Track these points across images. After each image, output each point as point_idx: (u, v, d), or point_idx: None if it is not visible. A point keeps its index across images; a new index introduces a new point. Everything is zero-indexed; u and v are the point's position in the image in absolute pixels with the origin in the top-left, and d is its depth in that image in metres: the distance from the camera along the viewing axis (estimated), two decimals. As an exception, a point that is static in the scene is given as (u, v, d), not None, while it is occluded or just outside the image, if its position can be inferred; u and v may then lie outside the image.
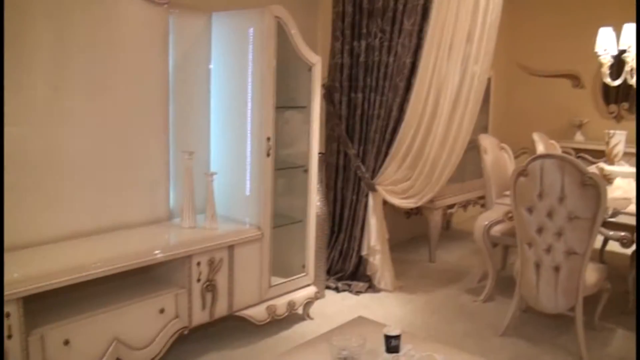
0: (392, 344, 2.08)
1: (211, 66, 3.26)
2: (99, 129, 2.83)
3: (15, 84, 2.50)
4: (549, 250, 3.02)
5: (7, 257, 2.44)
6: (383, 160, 3.87)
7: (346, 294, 3.95)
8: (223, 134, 3.29)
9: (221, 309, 2.98)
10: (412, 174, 3.91)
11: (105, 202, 2.89)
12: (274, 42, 3.05)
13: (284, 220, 3.38)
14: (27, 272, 2.29)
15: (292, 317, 3.40)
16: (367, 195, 3.96)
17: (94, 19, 2.74)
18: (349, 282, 4.02)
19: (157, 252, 2.67)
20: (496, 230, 3.86)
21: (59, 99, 2.67)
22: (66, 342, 2.36)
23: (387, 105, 3.79)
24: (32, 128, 2.60)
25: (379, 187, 3.90)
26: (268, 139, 3.08)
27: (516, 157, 4.85)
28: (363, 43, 3.88)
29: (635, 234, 3.16)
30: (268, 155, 3.09)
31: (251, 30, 3.07)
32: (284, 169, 3.35)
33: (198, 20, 3.19)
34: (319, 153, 3.48)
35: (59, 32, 2.64)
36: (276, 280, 3.27)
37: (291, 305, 3.32)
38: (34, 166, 2.62)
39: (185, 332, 2.83)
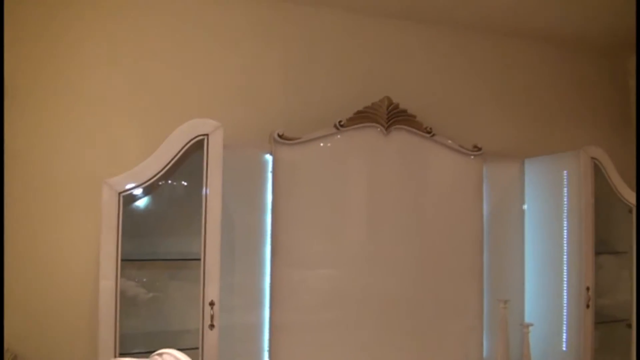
0: None
1: (525, 206, 3.22)
2: (411, 274, 2.92)
3: (338, 233, 2.79)
4: None
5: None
6: None
7: None
8: (538, 280, 3.12)
9: None
10: None
11: (417, 345, 2.91)
12: (591, 184, 2.89)
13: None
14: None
15: None
16: None
17: (407, 173, 2.94)
18: None
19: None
20: None
21: (372, 244, 2.85)
22: None
23: None
24: (347, 271, 2.80)
25: None
26: (587, 288, 2.84)
27: None
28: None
29: None
30: (587, 306, 2.83)
31: (565, 172, 2.98)
32: (603, 322, 3.00)
33: (511, 167, 3.22)
34: (646, 305, 3.07)
35: (372, 181, 2.86)
36: None
37: None
38: (351, 305, 2.79)
39: None
